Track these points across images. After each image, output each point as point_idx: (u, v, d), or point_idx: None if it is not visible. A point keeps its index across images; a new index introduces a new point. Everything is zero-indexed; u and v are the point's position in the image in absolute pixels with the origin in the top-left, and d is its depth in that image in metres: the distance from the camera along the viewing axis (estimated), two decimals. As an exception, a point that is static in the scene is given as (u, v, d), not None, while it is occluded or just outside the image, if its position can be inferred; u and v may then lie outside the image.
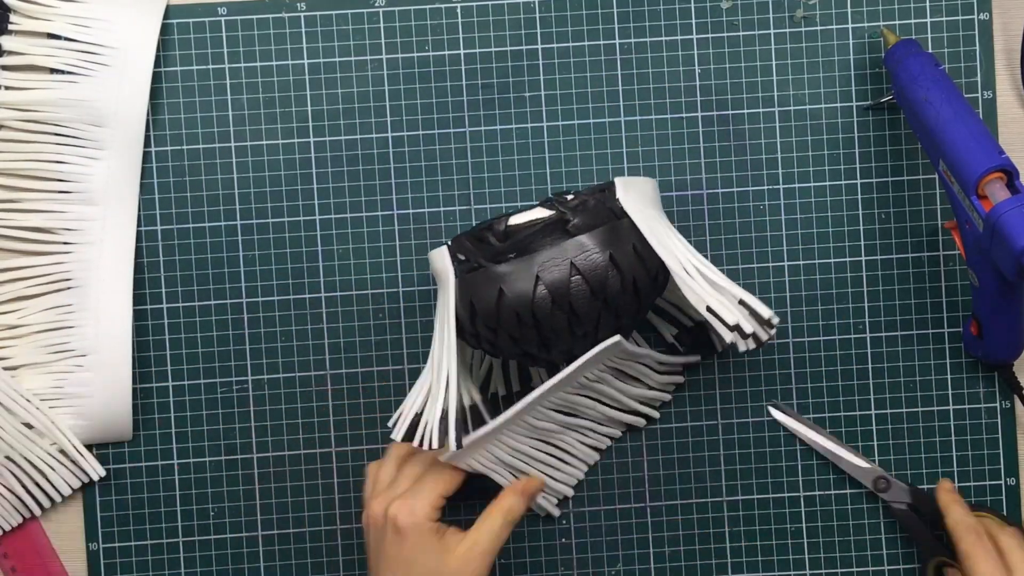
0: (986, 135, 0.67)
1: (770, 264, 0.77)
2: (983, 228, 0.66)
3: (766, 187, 0.77)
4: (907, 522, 0.76)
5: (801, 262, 0.77)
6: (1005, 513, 0.76)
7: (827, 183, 0.77)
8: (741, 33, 0.77)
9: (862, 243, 0.77)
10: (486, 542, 0.66)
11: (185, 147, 0.77)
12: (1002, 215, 0.64)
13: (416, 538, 0.65)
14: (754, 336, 0.66)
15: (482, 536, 0.66)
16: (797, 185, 0.77)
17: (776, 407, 0.77)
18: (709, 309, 0.65)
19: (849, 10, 0.76)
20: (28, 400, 0.74)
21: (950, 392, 0.77)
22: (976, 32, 0.76)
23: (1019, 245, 0.63)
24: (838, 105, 0.77)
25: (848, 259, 0.77)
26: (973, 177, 0.66)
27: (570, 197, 0.66)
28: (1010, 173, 0.66)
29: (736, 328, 0.65)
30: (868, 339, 0.77)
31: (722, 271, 0.76)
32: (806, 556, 0.77)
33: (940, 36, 0.76)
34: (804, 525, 0.77)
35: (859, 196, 0.77)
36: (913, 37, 0.76)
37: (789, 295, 0.77)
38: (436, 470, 0.68)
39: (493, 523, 0.66)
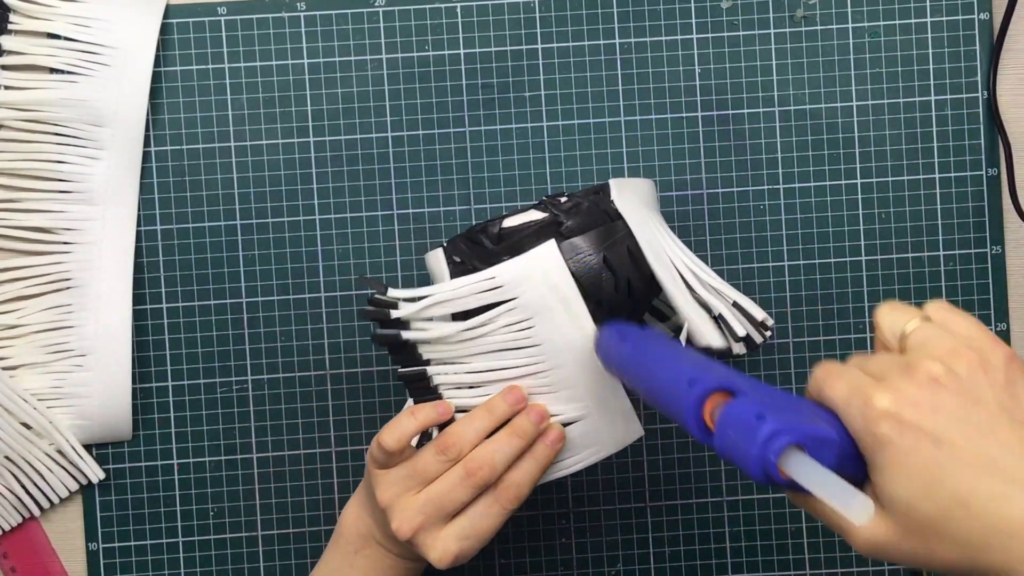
0: (679, 369, 0.54)
1: (770, 264, 0.77)
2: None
3: (766, 187, 0.77)
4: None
5: (801, 262, 0.77)
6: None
7: (827, 183, 0.77)
8: (741, 33, 0.77)
9: (862, 243, 0.77)
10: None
11: (185, 147, 0.77)
12: (725, 444, 0.49)
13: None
14: (748, 339, 0.66)
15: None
16: (797, 185, 0.77)
17: None
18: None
19: (849, 10, 0.76)
20: (26, 400, 0.74)
21: (950, 392, 0.77)
22: (976, 32, 0.76)
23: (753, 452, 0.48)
24: (838, 105, 0.77)
25: (848, 259, 0.77)
26: (696, 428, 0.51)
27: (564, 199, 0.65)
28: (727, 390, 0.51)
29: (708, 348, 0.64)
30: (868, 339, 0.77)
31: (722, 271, 0.76)
32: (806, 556, 0.77)
33: (940, 36, 0.76)
34: (804, 525, 0.77)
35: (859, 196, 0.77)
36: (913, 37, 0.76)
37: (789, 295, 0.77)
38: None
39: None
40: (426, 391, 0.65)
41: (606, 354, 0.61)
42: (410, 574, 0.67)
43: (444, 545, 0.62)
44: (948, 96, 0.77)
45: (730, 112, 0.77)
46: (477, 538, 0.62)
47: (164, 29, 0.76)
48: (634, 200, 0.66)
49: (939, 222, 0.77)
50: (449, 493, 0.62)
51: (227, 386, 0.77)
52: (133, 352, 0.76)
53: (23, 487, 0.75)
